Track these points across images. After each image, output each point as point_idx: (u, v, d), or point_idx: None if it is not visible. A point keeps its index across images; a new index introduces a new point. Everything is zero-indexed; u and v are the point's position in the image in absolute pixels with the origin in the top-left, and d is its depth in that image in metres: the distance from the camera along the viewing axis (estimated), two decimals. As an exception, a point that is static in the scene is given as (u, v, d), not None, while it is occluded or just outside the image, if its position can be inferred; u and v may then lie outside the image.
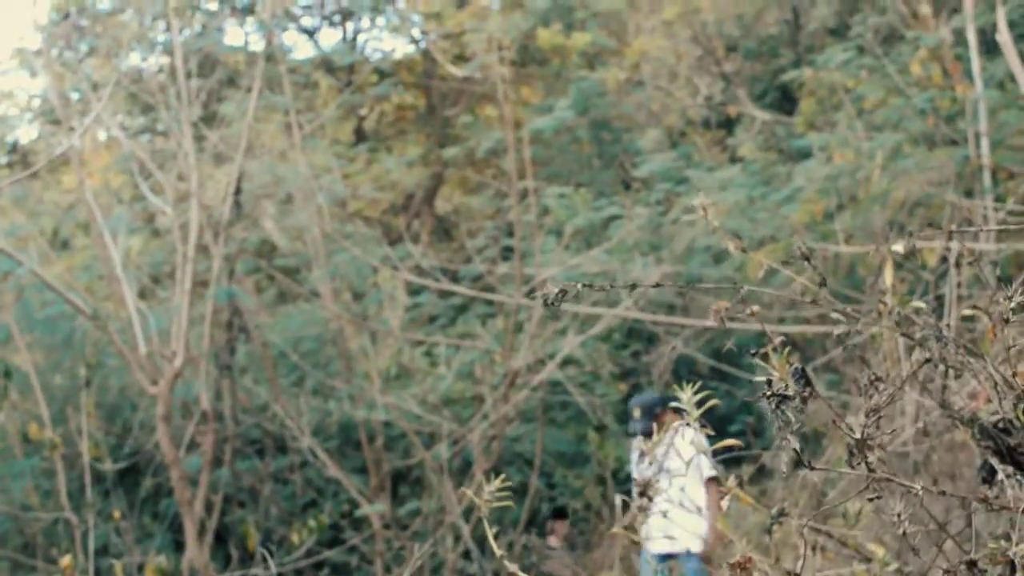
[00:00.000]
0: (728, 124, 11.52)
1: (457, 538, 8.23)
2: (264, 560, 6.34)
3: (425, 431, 8.92)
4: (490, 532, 2.41)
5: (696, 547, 6.59)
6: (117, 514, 6.11)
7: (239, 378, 8.20)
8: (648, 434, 7.03)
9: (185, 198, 7.77)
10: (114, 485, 7.97)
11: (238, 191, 7.26)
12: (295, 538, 5.46)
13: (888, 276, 2.28)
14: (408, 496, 8.85)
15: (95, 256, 9.53)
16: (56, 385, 8.53)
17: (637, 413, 6.99)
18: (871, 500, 1.77)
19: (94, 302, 8.27)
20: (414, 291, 9.98)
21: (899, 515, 1.78)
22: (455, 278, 9.88)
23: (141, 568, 6.04)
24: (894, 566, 2.18)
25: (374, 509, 7.34)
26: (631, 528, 7.21)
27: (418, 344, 10.33)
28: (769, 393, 1.77)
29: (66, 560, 5.17)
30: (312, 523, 5.60)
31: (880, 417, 1.70)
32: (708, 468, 6.80)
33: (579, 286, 1.99)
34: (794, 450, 1.73)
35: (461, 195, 12.69)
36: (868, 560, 2.39)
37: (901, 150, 8.99)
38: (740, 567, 1.94)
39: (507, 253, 9.91)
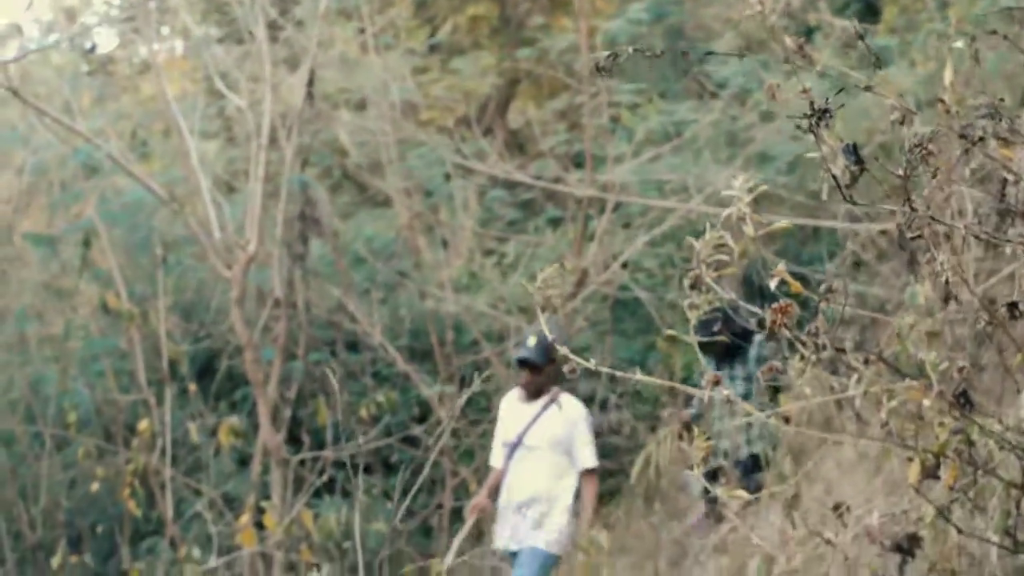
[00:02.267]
0: (808, 32, 11.28)
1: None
2: (336, 442, 6.47)
3: (495, 331, 8.98)
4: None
5: (552, 546, 5.60)
6: (192, 387, 6.27)
7: (311, 278, 8.31)
8: (536, 368, 5.73)
9: (260, 100, 7.85)
10: (190, 378, 8.14)
11: (311, 83, 7.31)
12: (364, 412, 5.57)
13: (948, 74, 2.23)
14: (477, 395, 8.93)
15: (172, 162, 9.70)
16: (134, 283, 8.70)
17: (532, 341, 5.79)
18: (914, 239, 1.74)
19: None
20: (484, 193, 10.00)
21: (941, 264, 1.76)
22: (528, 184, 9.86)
23: (214, 432, 6.21)
24: (944, 366, 2.14)
25: (439, 389, 7.44)
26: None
27: (488, 253, 10.37)
28: (810, 112, 1.76)
29: (143, 424, 5.35)
30: (381, 398, 5.71)
31: (928, 154, 1.68)
32: (587, 455, 5.76)
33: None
34: (833, 176, 1.72)
35: (534, 108, 12.62)
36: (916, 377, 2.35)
37: (985, 53, 8.73)
38: (782, 311, 1.93)
39: (579, 158, 9.86)
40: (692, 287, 2.30)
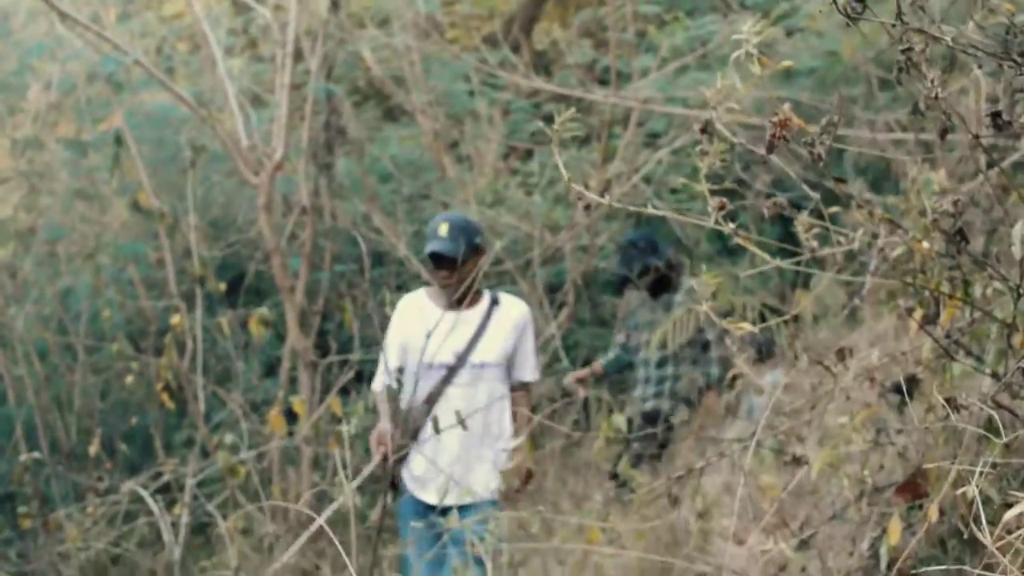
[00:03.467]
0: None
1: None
2: (363, 347, 6.59)
3: (520, 248, 9.04)
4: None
5: (492, 489, 4.49)
6: (223, 287, 6.39)
7: (337, 189, 8.37)
8: (450, 264, 4.51)
9: (286, 11, 7.86)
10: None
11: (336, -8, 7.33)
12: (388, 309, 5.64)
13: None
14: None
15: (197, 78, 9.75)
16: (162, 196, 8.80)
17: (444, 229, 4.57)
18: (905, 51, 1.78)
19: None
20: (508, 112, 10.02)
21: (932, 80, 1.80)
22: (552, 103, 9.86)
23: (244, 325, 6.33)
24: (944, 207, 2.18)
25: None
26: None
27: (514, 173, 10.41)
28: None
29: (176, 319, 5.46)
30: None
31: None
32: (532, 366, 4.76)
33: None
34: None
35: (560, 29, 12.58)
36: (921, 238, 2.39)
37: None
38: (780, 125, 1.98)
39: (604, 74, 9.84)
40: (703, 131, 2.33)
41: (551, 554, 4.27)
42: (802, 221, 2.37)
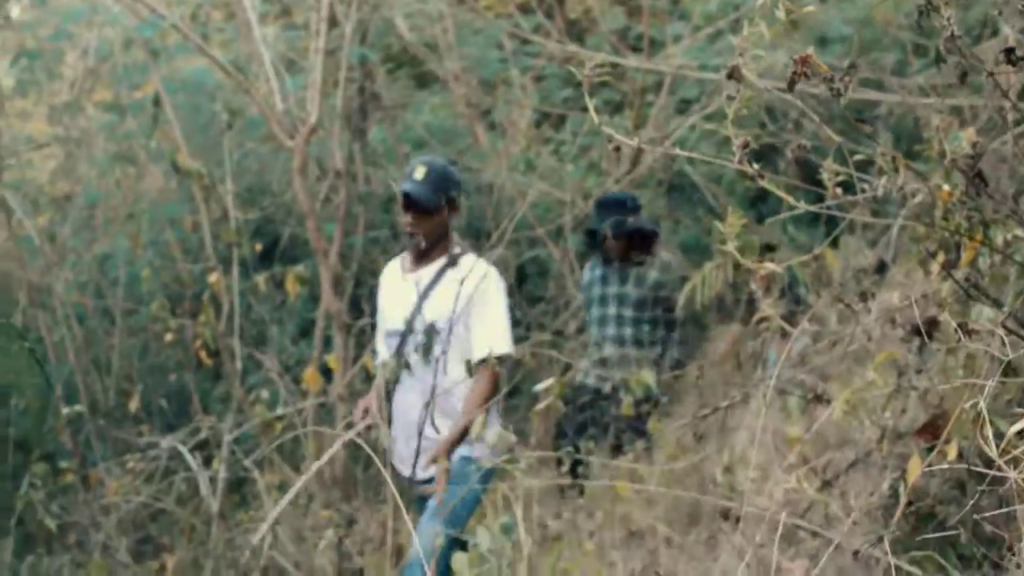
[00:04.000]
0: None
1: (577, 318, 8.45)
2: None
3: (551, 215, 9.09)
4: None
5: (475, 450, 4.08)
6: (258, 247, 6.49)
7: (371, 155, 8.45)
8: (424, 211, 4.17)
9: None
10: (253, 261, 8.36)
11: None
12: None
13: None
14: (533, 276, 9.10)
15: (232, 47, 9.83)
16: (199, 160, 8.91)
17: (420, 172, 4.23)
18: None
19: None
20: (541, 79, 10.05)
21: (949, 19, 1.83)
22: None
23: (281, 284, 6.43)
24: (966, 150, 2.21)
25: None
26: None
27: (546, 142, 10.45)
28: None
29: (214, 277, 5.56)
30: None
31: None
32: (491, 336, 4.20)
33: None
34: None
35: (593, -2, 12.57)
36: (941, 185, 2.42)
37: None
38: (801, 63, 2.02)
39: (637, 42, 9.84)
40: (729, 77, 2.35)
41: (581, 509, 4.35)
42: (828, 167, 2.41)
